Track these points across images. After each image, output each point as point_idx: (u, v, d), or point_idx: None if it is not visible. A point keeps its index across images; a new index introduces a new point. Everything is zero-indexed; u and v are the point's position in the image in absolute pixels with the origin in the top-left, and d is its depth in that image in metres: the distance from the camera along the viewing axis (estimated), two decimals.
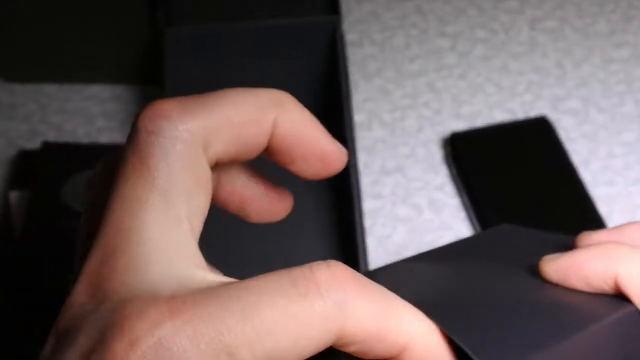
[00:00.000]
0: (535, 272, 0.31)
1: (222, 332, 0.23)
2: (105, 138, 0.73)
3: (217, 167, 0.30)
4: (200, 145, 0.26)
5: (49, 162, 0.66)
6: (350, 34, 0.80)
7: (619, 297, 0.29)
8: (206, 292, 0.23)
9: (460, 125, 0.73)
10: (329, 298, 0.24)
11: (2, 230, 0.66)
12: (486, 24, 0.81)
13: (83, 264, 0.25)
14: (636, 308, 0.29)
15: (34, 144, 0.73)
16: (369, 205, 0.68)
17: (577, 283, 0.30)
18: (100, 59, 0.75)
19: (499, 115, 0.73)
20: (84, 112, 0.75)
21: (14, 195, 0.67)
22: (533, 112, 0.73)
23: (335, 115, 0.71)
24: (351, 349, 0.25)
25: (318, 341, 0.24)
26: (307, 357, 0.24)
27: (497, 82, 0.76)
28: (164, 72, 0.66)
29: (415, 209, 0.68)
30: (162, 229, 0.25)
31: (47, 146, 0.68)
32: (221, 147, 0.27)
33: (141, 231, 0.25)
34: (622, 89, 0.75)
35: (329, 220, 0.66)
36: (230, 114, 0.27)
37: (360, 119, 0.74)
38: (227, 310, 0.23)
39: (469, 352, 0.24)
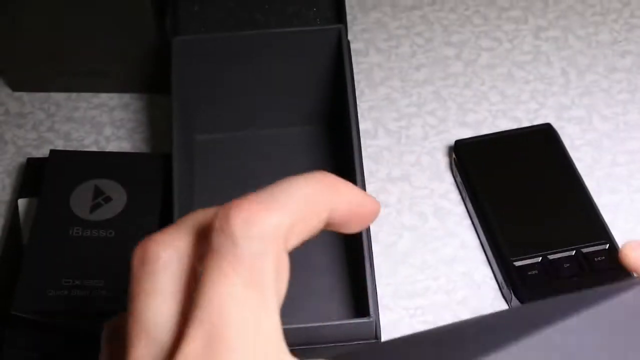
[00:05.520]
0: None
1: None
2: (113, 146, 0.74)
3: None
4: (283, 242, 0.29)
5: (57, 170, 0.67)
6: (356, 42, 0.80)
7: None
8: None
9: (466, 133, 0.73)
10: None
11: (10, 238, 0.66)
12: (491, 33, 0.81)
13: (179, 349, 0.28)
14: None
15: (42, 152, 0.73)
16: None
17: None
18: (108, 68, 0.75)
19: (504, 123, 0.74)
20: (92, 121, 0.76)
21: (22, 203, 0.68)
22: (537, 120, 0.74)
23: (341, 123, 0.72)
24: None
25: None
26: None
27: (502, 91, 0.76)
28: (171, 80, 0.66)
29: (421, 216, 0.68)
30: (258, 320, 0.28)
31: (55, 154, 0.68)
32: (296, 240, 0.30)
33: (240, 322, 0.28)
34: (626, 98, 0.76)
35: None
36: (302, 211, 0.30)
37: (365, 127, 0.74)
38: None
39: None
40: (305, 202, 0.30)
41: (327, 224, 0.33)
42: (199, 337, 0.28)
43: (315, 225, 0.31)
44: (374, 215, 0.34)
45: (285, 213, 0.29)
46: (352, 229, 0.34)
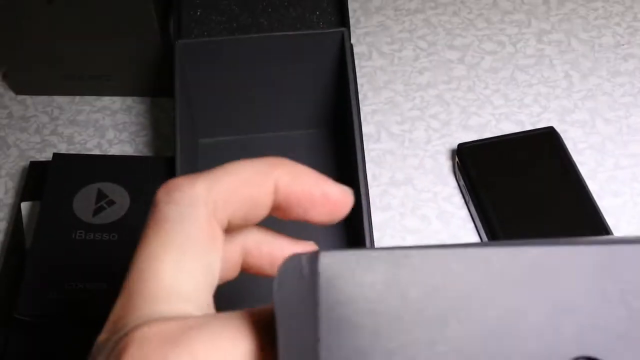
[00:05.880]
0: None
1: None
2: (115, 150, 0.74)
3: (237, 233, 0.33)
4: (211, 208, 0.30)
5: (60, 174, 0.67)
6: (359, 46, 0.80)
7: None
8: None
9: (469, 136, 0.73)
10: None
11: (13, 241, 0.66)
12: (494, 37, 0.81)
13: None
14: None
15: (45, 155, 0.73)
16: (378, 216, 0.68)
17: None
18: (111, 71, 0.75)
19: (507, 127, 0.74)
20: (95, 124, 0.76)
21: (25, 206, 0.68)
22: (540, 124, 0.74)
23: (344, 126, 0.72)
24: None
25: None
26: None
27: (505, 94, 0.76)
28: (174, 83, 0.66)
29: (424, 220, 0.68)
30: (176, 278, 0.29)
31: (58, 157, 0.68)
32: (230, 209, 0.31)
33: (157, 280, 0.29)
34: (629, 101, 0.76)
35: (339, 232, 0.66)
36: (234, 179, 0.31)
37: (369, 130, 0.74)
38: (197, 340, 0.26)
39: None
40: (239, 172, 0.31)
41: (282, 206, 0.32)
42: (122, 297, 0.29)
43: (254, 196, 0.31)
44: (342, 204, 0.32)
45: (209, 182, 0.30)
46: (317, 216, 0.32)
